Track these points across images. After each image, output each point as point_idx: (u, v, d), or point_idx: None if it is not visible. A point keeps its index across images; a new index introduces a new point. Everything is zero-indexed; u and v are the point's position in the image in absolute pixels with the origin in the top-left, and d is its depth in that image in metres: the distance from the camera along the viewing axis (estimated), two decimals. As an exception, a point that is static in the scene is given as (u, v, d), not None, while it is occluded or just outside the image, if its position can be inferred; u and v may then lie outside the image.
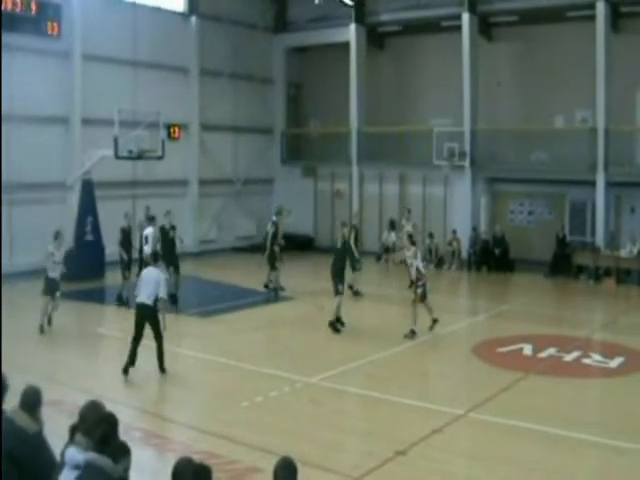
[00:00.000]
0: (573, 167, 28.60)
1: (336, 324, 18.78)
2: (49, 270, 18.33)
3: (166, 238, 21.58)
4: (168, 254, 21.12)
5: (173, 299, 20.79)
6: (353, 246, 20.33)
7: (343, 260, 19.49)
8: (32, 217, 25.66)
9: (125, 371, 14.66)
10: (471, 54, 30.79)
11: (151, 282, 14.73)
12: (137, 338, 14.79)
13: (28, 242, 24.58)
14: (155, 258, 15.84)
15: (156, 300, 14.73)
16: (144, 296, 14.70)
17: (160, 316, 14.80)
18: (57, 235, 18.69)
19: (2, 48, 23.42)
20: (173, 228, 21.90)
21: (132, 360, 14.73)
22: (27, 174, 25.92)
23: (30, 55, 26.08)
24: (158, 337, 14.90)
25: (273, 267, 23.76)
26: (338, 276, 19.07)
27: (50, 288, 18.19)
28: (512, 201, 31.95)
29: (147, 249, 21.03)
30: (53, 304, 18.41)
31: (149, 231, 21.78)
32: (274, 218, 24.52)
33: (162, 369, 14.98)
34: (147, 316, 14.76)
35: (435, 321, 18.76)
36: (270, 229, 24.14)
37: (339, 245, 19.55)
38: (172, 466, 6.30)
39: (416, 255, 18.83)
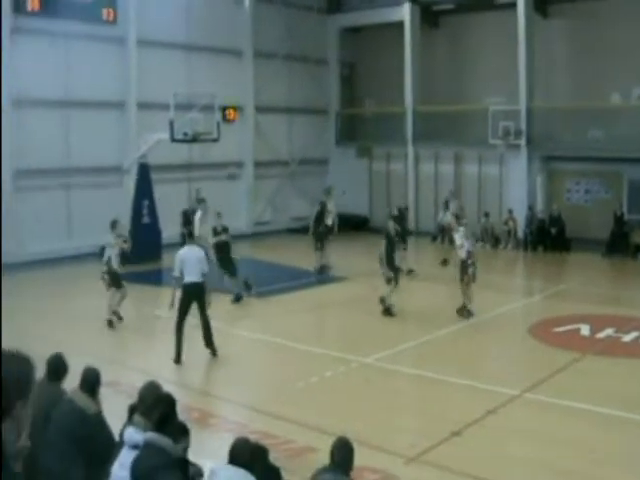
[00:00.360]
0: (630, 145, 28.12)
1: (390, 309, 18.63)
2: (113, 263, 17.46)
3: (219, 242, 20.28)
4: (222, 259, 20.11)
5: (247, 286, 20.71)
6: (392, 228, 19.89)
7: (389, 248, 18.99)
8: (90, 201, 26.07)
9: (178, 361, 14.57)
10: (526, 31, 30.40)
11: (195, 260, 14.62)
12: (181, 323, 14.63)
13: (86, 225, 24.98)
14: (190, 235, 15.67)
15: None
16: (193, 275, 14.54)
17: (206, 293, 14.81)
18: (114, 224, 17.88)
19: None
20: (225, 230, 20.44)
21: (180, 350, 14.58)
22: (85, 158, 26.38)
23: (87, 41, 26.40)
24: (205, 315, 14.86)
25: (317, 247, 23.90)
26: (388, 263, 18.77)
27: (115, 280, 17.54)
28: (568, 180, 31.56)
29: (196, 232, 20.57)
30: (121, 295, 17.76)
31: (198, 215, 21.89)
32: (323, 198, 24.75)
33: (213, 350, 14.97)
34: (197, 294, 14.63)
35: (465, 307, 18.54)
36: (316, 209, 24.44)
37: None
38: (229, 446, 6.41)
39: (466, 235, 18.65)
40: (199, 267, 14.60)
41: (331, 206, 24.75)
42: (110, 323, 17.46)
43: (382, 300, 18.62)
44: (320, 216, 24.19)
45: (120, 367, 14.10)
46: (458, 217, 21.18)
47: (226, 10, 32.05)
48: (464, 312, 18.24)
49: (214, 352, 15.01)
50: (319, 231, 23.95)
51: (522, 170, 31.01)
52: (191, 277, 14.58)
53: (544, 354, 15.50)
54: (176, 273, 14.67)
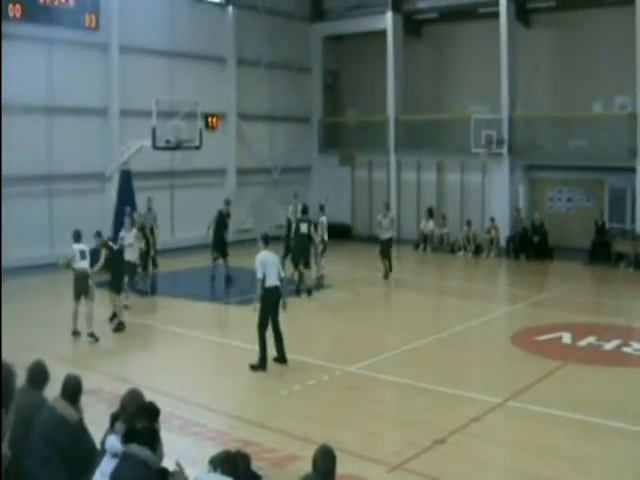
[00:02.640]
0: (612, 153, 28.32)
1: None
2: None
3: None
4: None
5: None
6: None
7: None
8: (72, 208, 25.93)
9: (264, 367, 14.59)
10: (509, 41, 30.55)
11: (275, 264, 14.81)
12: (266, 328, 14.71)
13: (68, 232, 24.80)
14: (266, 242, 15.51)
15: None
16: (275, 278, 14.70)
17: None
18: (76, 236, 17.26)
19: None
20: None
21: (266, 356, 14.65)
22: (67, 165, 26.31)
23: (69, 47, 26.34)
24: (277, 320, 14.96)
25: (214, 257, 24.00)
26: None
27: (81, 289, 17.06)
28: (550, 188, 31.72)
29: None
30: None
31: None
32: (222, 207, 24.71)
33: (284, 358, 14.98)
34: (278, 298, 14.79)
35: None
36: (214, 217, 24.34)
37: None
38: (211, 457, 6.34)
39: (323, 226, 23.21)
40: (278, 271, 14.83)
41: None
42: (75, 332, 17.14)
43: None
44: (219, 225, 24.06)
45: (102, 375, 14.02)
46: (323, 208, 24.03)
47: (209, 17, 32.07)
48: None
49: (285, 360, 14.99)
50: (220, 240, 23.93)
51: (504, 179, 31.12)
52: (274, 281, 14.69)
53: (526, 362, 15.52)
54: (260, 275, 14.61)
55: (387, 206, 26.51)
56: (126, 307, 18.78)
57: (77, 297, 16.98)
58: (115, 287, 18.06)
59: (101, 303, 18.05)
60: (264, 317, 14.73)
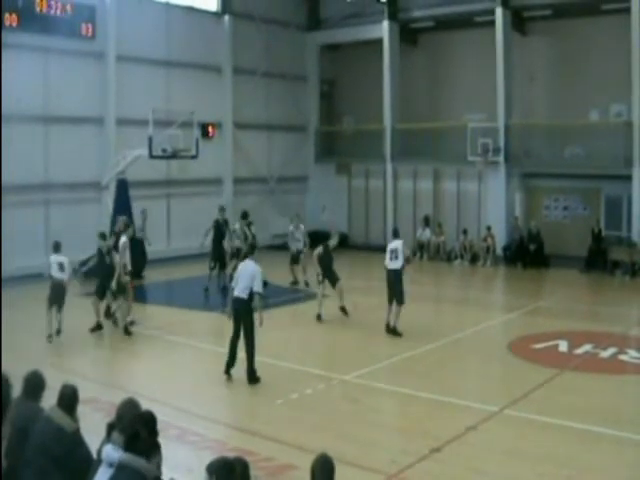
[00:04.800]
0: (608, 162, 28.33)
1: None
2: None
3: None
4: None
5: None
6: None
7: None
8: (69, 217, 25.97)
9: (227, 372, 14.53)
10: (505, 49, 30.62)
11: (246, 275, 14.43)
12: (236, 335, 14.51)
13: (65, 241, 24.78)
14: (252, 250, 15.29)
15: (251, 294, 14.42)
16: (239, 290, 14.37)
17: (255, 312, 14.47)
18: (56, 246, 17.73)
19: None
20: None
21: (232, 360, 14.50)
22: (63, 174, 26.29)
23: (65, 57, 26.38)
24: (248, 334, 14.43)
25: (211, 267, 23.79)
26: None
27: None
28: (547, 197, 31.75)
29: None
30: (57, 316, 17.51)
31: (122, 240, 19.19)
32: (218, 216, 24.25)
33: (252, 377, 14.51)
34: (241, 311, 14.37)
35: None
36: (212, 229, 23.97)
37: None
38: (208, 464, 6.32)
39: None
40: (247, 283, 14.36)
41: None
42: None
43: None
44: (217, 235, 23.77)
45: (98, 384, 14.01)
46: (246, 215, 24.06)
47: (205, 27, 32.12)
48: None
49: (252, 379, 14.55)
50: (218, 250, 23.67)
51: (501, 187, 31.14)
52: (237, 292, 14.43)
53: (523, 370, 15.51)
54: (233, 285, 14.65)
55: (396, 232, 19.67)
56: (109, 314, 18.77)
57: (50, 305, 17.23)
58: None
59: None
60: (233, 329, 14.56)
